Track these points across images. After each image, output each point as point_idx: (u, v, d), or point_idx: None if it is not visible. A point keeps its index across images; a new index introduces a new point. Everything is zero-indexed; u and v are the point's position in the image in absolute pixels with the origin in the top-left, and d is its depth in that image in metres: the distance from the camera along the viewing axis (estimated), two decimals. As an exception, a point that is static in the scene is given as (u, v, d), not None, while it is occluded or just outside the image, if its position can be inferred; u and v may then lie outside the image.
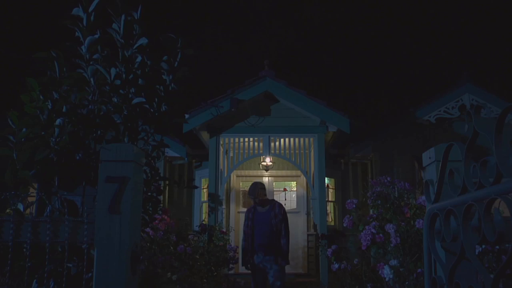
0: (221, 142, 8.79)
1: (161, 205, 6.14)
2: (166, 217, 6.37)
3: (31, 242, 1.73)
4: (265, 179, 10.12)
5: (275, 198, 9.59)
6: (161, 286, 5.64)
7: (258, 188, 5.70)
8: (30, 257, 1.72)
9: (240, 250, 5.58)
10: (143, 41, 2.33)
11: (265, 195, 5.80)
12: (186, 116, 8.28)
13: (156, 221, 6.04)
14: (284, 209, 5.63)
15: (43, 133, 2.09)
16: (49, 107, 2.11)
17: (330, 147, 9.60)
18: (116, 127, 2.30)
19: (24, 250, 1.87)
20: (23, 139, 2.05)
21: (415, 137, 9.19)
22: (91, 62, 2.24)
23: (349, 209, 5.24)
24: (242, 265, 5.49)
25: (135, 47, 2.34)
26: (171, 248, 6.26)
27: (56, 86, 2.13)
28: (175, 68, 2.50)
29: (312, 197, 8.72)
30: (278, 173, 9.97)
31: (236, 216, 9.82)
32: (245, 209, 9.95)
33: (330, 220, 9.60)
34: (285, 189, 9.94)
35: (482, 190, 1.13)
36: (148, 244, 5.88)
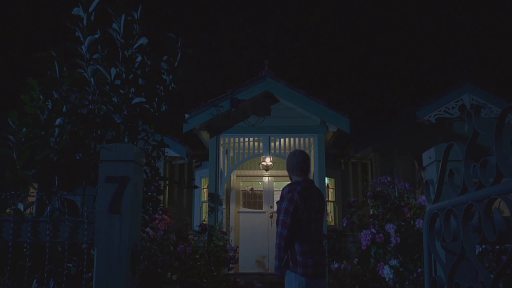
0: (221, 142, 8.80)
1: (161, 205, 6.13)
2: (166, 217, 6.37)
3: (31, 242, 1.73)
4: (265, 179, 10.13)
5: (275, 198, 9.59)
6: (161, 286, 5.64)
7: (308, 159, 3.63)
8: (30, 257, 1.72)
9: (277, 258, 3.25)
10: (143, 41, 2.33)
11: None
12: (186, 116, 8.28)
13: (156, 221, 6.04)
14: None
15: (43, 133, 2.09)
16: (49, 107, 2.11)
17: (330, 147, 9.60)
18: (116, 127, 2.30)
19: (24, 250, 1.87)
20: (23, 139, 2.05)
21: (415, 137, 9.18)
22: (91, 62, 2.24)
23: (349, 209, 5.24)
24: None
25: (135, 47, 2.34)
26: (171, 248, 6.26)
27: (56, 86, 2.14)
28: (175, 68, 2.50)
29: (312, 197, 8.70)
30: (278, 173, 9.97)
31: (236, 216, 9.82)
32: (245, 209, 9.99)
33: (330, 220, 9.60)
34: (285, 189, 9.92)
35: (482, 190, 1.13)
36: (148, 244, 5.88)
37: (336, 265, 5.58)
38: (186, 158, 9.68)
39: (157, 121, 2.47)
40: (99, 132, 2.24)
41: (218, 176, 8.58)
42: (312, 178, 8.70)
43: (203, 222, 8.68)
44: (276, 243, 3.24)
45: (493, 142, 1.07)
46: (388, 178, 5.14)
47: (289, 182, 3.57)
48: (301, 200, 3.29)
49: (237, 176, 10.15)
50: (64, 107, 2.14)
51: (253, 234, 9.53)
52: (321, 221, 3.49)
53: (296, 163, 3.51)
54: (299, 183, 3.41)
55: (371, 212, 5.19)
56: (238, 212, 9.88)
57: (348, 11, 21.15)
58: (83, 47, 2.24)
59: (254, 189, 10.09)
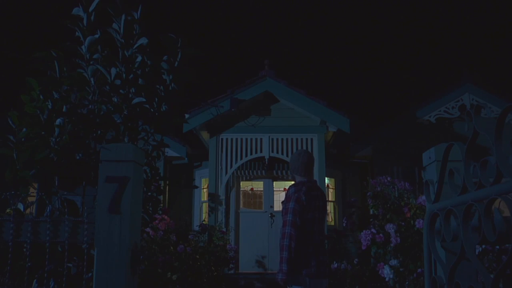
0: (221, 142, 8.80)
1: (161, 205, 6.13)
2: (166, 217, 6.36)
3: (31, 242, 1.73)
4: (265, 179, 10.12)
5: (275, 198, 9.59)
6: (161, 286, 5.64)
7: (313, 160, 3.56)
8: (30, 257, 1.72)
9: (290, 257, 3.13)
10: (143, 41, 2.33)
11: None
12: (186, 116, 8.28)
13: (156, 221, 6.05)
14: None
15: (43, 133, 2.09)
16: (49, 107, 2.11)
17: (330, 147, 9.60)
18: (116, 127, 2.30)
19: (24, 250, 1.87)
20: (23, 139, 2.05)
21: (415, 137, 9.18)
22: (91, 62, 2.24)
23: (349, 209, 5.24)
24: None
25: (135, 47, 2.34)
26: (171, 248, 6.26)
27: (56, 86, 2.14)
28: (175, 68, 2.49)
29: (312, 197, 8.70)
30: (278, 173, 9.96)
31: (236, 216, 9.81)
32: (245, 209, 9.98)
33: (330, 220, 9.60)
34: (285, 189, 9.93)
35: (482, 190, 1.13)
36: (148, 244, 5.88)
37: (335, 265, 5.58)
38: (186, 158, 9.68)
39: (157, 121, 2.47)
40: (99, 132, 2.23)
41: (218, 176, 8.59)
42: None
43: (203, 222, 8.68)
44: (283, 244, 3.16)
45: (493, 142, 1.07)
46: (388, 178, 5.14)
47: (291, 182, 3.56)
48: (306, 200, 3.26)
49: (237, 176, 10.14)
50: (64, 107, 2.14)
51: (253, 234, 9.52)
52: (323, 222, 3.47)
53: (301, 164, 3.45)
54: (304, 184, 3.39)
55: (371, 212, 5.19)
56: (238, 212, 9.87)
57: (349, 11, 21.15)
58: (83, 47, 2.23)
59: (254, 189, 10.08)
